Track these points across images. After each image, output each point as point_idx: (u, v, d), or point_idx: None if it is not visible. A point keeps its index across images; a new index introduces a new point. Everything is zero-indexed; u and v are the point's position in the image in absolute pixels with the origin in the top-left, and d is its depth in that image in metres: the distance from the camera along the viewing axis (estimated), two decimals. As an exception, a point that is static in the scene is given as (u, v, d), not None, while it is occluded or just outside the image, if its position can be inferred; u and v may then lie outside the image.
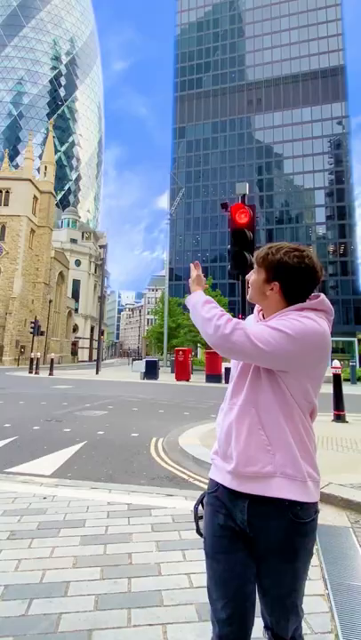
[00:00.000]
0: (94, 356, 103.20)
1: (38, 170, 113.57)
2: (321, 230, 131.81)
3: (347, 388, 23.39)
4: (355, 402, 24.33)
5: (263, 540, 2.83)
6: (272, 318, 3.00)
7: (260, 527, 2.82)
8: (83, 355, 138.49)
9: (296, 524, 2.78)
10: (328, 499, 8.12)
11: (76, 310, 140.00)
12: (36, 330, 66.93)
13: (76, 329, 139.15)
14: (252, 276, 3.20)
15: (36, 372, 53.84)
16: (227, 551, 2.92)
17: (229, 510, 2.95)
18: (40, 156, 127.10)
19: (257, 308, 3.32)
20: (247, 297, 3.31)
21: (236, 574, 2.87)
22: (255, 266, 3.19)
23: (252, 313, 3.40)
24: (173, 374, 48.47)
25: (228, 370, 33.57)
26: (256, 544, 2.86)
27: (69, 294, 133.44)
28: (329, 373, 14.43)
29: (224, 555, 2.92)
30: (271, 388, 2.92)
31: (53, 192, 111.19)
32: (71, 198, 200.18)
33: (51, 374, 50.57)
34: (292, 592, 2.86)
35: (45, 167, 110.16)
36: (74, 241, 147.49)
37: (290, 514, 2.78)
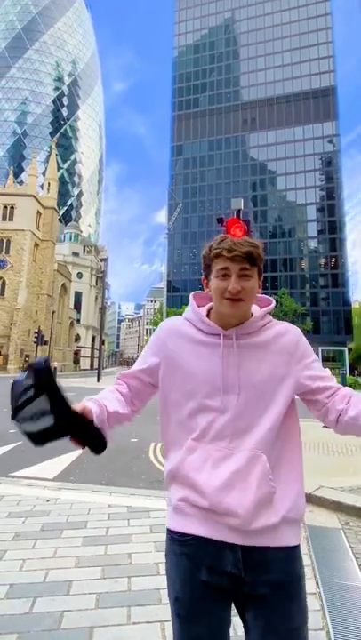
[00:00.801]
0: (95, 365, 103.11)
1: (42, 186, 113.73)
2: (313, 244, 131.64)
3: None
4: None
5: (262, 580, 2.29)
6: (265, 326, 2.53)
7: (257, 570, 2.31)
8: (85, 363, 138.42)
9: (293, 550, 2.39)
10: (319, 501, 8.16)
11: (78, 321, 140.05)
12: (40, 339, 67.02)
13: (78, 338, 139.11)
14: (247, 282, 2.39)
15: (40, 380, 53.62)
16: (210, 611, 2.33)
17: (216, 561, 2.33)
18: (43, 173, 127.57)
19: (196, 308, 2.61)
20: (237, 310, 2.41)
21: (219, 636, 2.36)
22: (246, 267, 2.39)
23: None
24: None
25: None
26: (254, 587, 2.29)
27: (72, 305, 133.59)
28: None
29: (207, 615, 2.33)
30: (290, 417, 2.49)
31: (56, 207, 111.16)
32: (73, 213, 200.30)
33: (54, 382, 50.40)
34: (303, 626, 2.32)
35: (49, 184, 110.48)
36: (76, 254, 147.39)
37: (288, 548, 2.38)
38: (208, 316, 2.61)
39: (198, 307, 2.66)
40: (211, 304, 2.64)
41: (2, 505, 7.76)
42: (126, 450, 12.72)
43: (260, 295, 2.66)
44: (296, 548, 2.40)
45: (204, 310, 2.63)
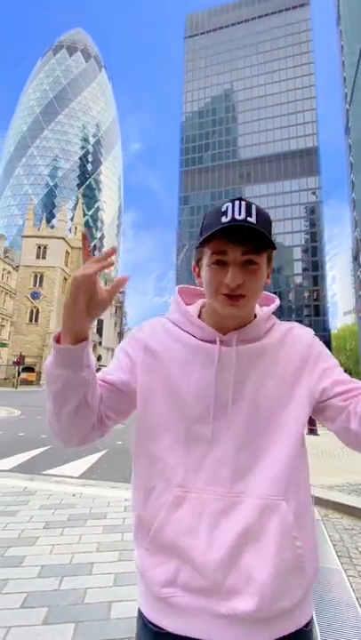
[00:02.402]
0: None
1: (70, 230, 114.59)
2: (298, 279, 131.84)
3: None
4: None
5: None
6: (271, 327, 1.71)
7: None
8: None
9: (311, 632, 1.54)
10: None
11: (100, 343, 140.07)
12: (68, 359, 66.87)
13: (99, 358, 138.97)
14: (252, 274, 1.53)
15: (67, 394, 53.84)
16: None
17: None
18: (71, 219, 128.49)
19: (183, 306, 1.74)
20: (238, 311, 1.55)
21: None
22: (250, 250, 1.51)
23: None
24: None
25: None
26: None
27: (94, 330, 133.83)
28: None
29: None
30: (305, 449, 1.63)
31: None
32: (96, 253, 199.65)
33: (79, 395, 50.63)
34: None
35: (75, 228, 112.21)
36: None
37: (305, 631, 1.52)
38: (200, 316, 1.73)
39: (186, 305, 1.78)
40: (202, 301, 1.80)
41: (35, 499, 7.76)
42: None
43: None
44: (311, 622, 1.56)
45: (194, 310, 1.76)
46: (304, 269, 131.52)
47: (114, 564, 5.04)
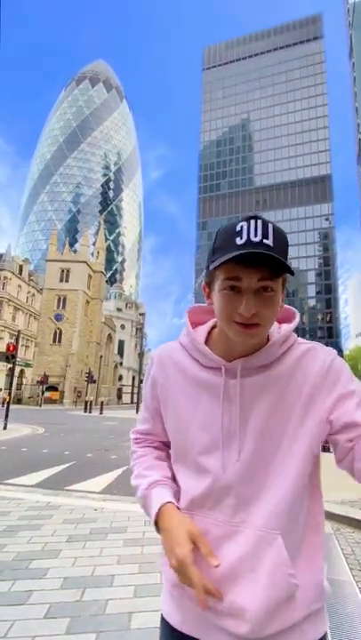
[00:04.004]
0: (135, 399, 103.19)
1: (92, 254, 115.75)
2: (312, 302, 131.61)
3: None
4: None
5: None
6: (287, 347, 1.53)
7: None
8: (126, 398, 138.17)
9: None
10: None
11: (121, 364, 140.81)
12: (90, 379, 67.17)
13: (120, 378, 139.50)
14: (268, 303, 1.37)
15: (90, 412, 54.35)
16: None
17: None
18: (94, 244, 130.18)
19: (190, 331, 1.62)
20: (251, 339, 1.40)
21: None
22: (267, 277, 1.34)
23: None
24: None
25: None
26: None
27: (116, 351, 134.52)
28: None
29: None
30: (313, 475, 1.52)
31: (103, 271, 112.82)
32: (117, 276, 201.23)
33: (101, 413, 51.01)
34: None
35: (98, 252, 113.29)
36: (119, 309, 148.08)
37: None
38: (209, 338, 1.61)
39: (197, 325, 1.68)
40: (213, 321, 1.65)
41: (58, 513, 7.78)
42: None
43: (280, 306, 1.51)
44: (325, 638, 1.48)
45: (203, 332, 1.63)
46: (317, 292, 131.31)
47: (134, 577, 5.04)
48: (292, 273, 1.39)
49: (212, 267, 1.40)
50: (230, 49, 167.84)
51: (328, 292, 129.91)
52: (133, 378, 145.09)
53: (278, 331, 1.56)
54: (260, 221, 1.35)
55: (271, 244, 1.32)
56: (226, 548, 1.42)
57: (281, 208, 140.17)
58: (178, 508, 1.51)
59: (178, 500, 1.56)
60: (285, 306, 1.59)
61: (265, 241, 1.32)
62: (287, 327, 1.56)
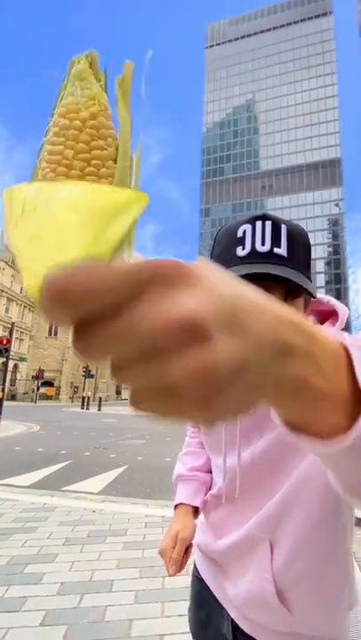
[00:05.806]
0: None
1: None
2: (321, 293, 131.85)
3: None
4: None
5: None
6: None
7: None
8: (125, 394, 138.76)
9: None
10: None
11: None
12: (87, 373, 67.11)
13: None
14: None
15: (87, 408, 54.18)
16: None
17: (214, 613, 1.56)
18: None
19: None
20: None
21: None
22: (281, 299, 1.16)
23: None
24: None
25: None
26: None
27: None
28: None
29: None
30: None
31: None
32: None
33: (99, 410, 50.77)
34: None
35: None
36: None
37: None
38: None
39: None
40: None
41: (54, 515, 7.78)
42: (161, 468, 12.65)
43: (319, 298, 1.49)
44: None
45: None
46: (327, 282, 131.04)
47: (134, 582, 5.03)
48: (312, 295, 1.21)
49: None
50: (234, 26, 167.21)
51: (338, 282, 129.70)
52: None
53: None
54: (268, 223, 1.12)
55: (285, 254, 1.11)
56: (233, 529, 1.45)
57: (288, 193, 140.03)
58: (193, 507, 1.73)
59: (210, 488, 1.70)
60: (324, 302, 1.50)
61: (276, 250, 1.10)
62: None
